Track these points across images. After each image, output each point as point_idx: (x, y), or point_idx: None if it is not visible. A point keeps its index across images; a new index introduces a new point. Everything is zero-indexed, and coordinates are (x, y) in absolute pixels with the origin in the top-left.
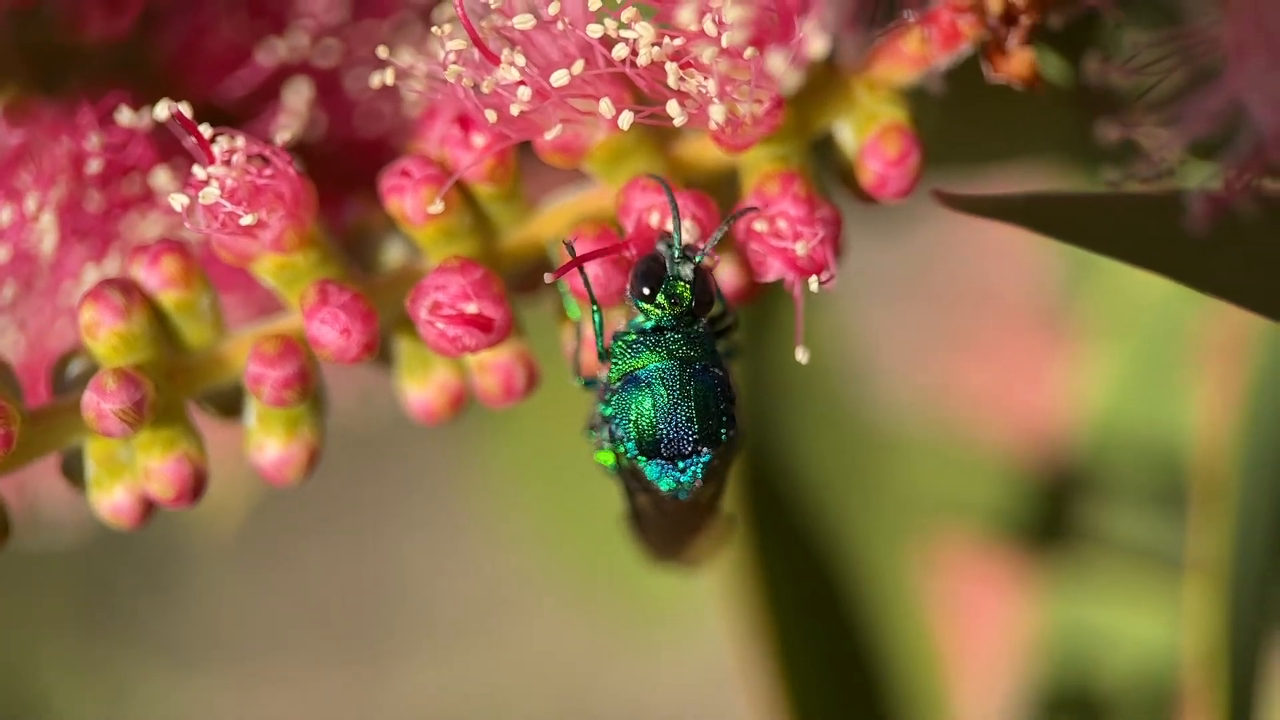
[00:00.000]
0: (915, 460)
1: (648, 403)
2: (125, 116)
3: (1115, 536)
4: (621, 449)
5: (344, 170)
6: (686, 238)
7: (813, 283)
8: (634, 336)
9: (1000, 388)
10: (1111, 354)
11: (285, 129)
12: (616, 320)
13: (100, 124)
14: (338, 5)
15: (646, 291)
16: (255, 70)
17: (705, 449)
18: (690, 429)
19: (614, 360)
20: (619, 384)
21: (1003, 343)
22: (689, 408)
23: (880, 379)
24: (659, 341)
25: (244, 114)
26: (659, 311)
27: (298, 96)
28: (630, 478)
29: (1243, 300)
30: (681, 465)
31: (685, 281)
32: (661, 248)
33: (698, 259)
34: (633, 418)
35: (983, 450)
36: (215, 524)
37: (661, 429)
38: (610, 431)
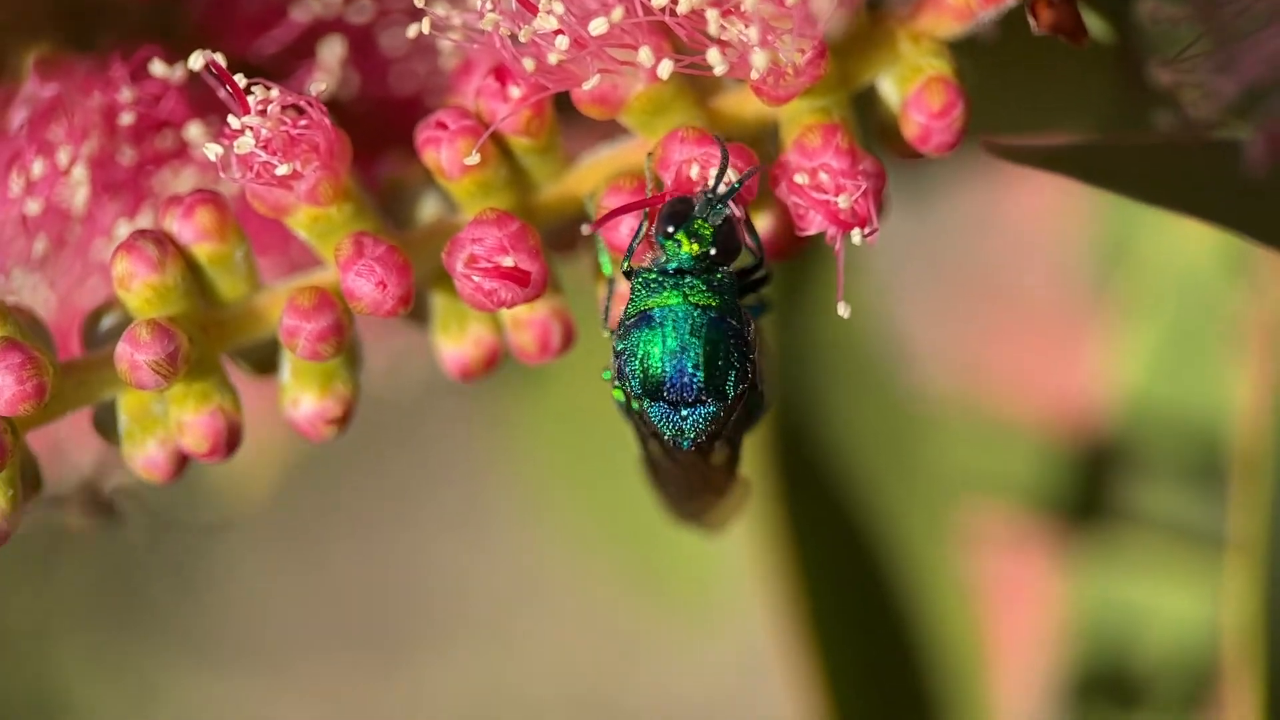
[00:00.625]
0: (952, 436)
1: (656, 342)
2: (159, 69)
3: (1152, 514)
4: (627, 387)
5: (378, 129)
6: (721, 186)
7: (855, 236)
8: (653, 274)
9: (1037, 364)
10: (1148, 331)
11: (321, 82)
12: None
13: (133, 78)
14: None
15: (670, 230)
16: (289, 27)
17: (709, 399)
18: (695, 376)
19: (631, 297)
20: (632, 321)
21: (1040, 319)
22: (696, 354)
23: (916, 354)
24: (677, 283)
25: (278, 72)
26: (680, 251)
27: (331, 53)
28: (639, 421)
29: None
30: (684, 413)
31: (709, 225)
32: (698, 193)
33: (725, 205)
34: (639, 355)
35: (1019, 427)
36: (245, 493)
37: (665, 371)
38: (619, 368)
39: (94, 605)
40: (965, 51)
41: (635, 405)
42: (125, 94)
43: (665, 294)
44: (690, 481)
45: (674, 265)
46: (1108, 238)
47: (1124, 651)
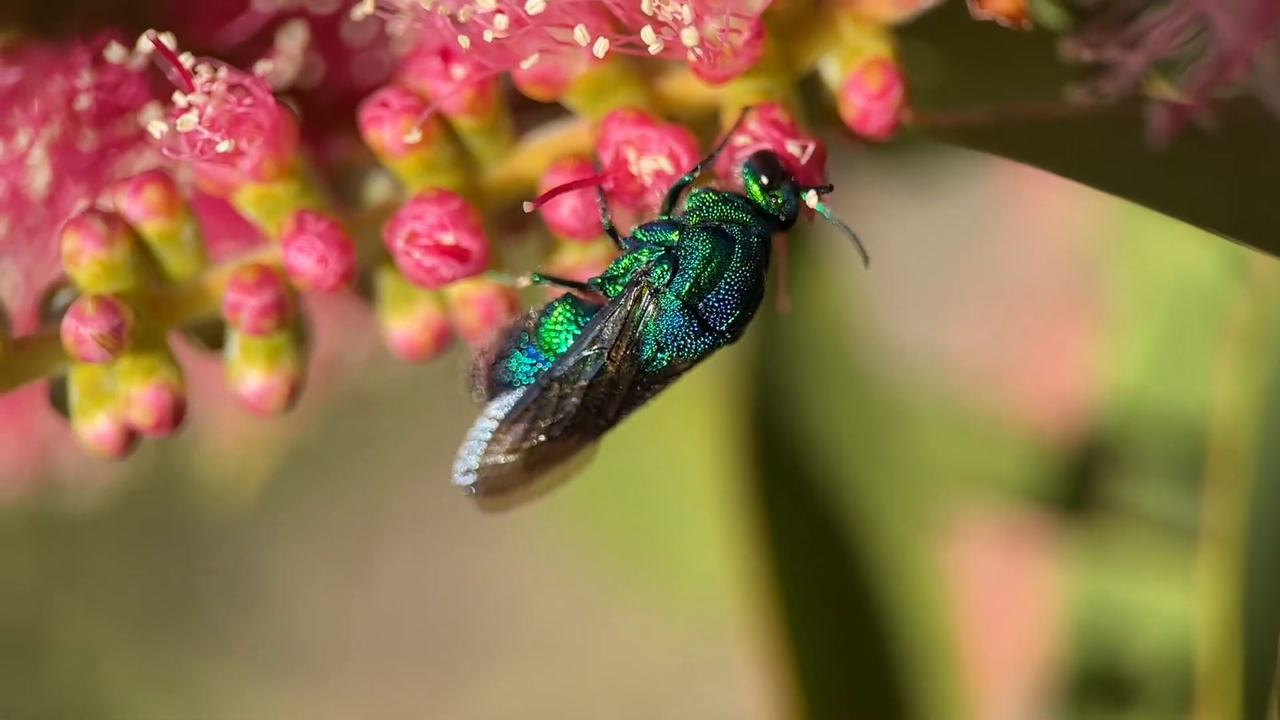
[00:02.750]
0: (936, 431)
1: (725, 252)
2: (115, 53)
3: (1141, 511)
4: (663, 279)
5: (341, 119)
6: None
7: (810, 198)
8: (736, 197)
9: (1026, 361)
10: (1142, 329)
11: (268, 63)
12: None
13: (93, 64)
14: None
15: (765, 180)
16: (253, 16)
17: (726, 332)
18: (737, 303)
19: (700, 202)
20: (697, 224)
21: (1030, 316)
22: (750, 284)
23: (904, 348)
24: (757, 218)
25: (242, 61)
26: (764, 199)
27: (292, 40)
28: (609, 323)
29: (1202, 220)
30: (697, 330)
31: (795, 197)
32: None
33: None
34: (704, 255)
35: (1006, 423)
36: (237, 489)
37: (723, 283)
38: (662, 258)
39: (146, 616)
40: (927, 33)
41: (639, 308)
42: (85, 78)
43: (740, 215)
44: (566, 435)
45: (750, 199)
46: (1105, 234)
47: (1115, 649)
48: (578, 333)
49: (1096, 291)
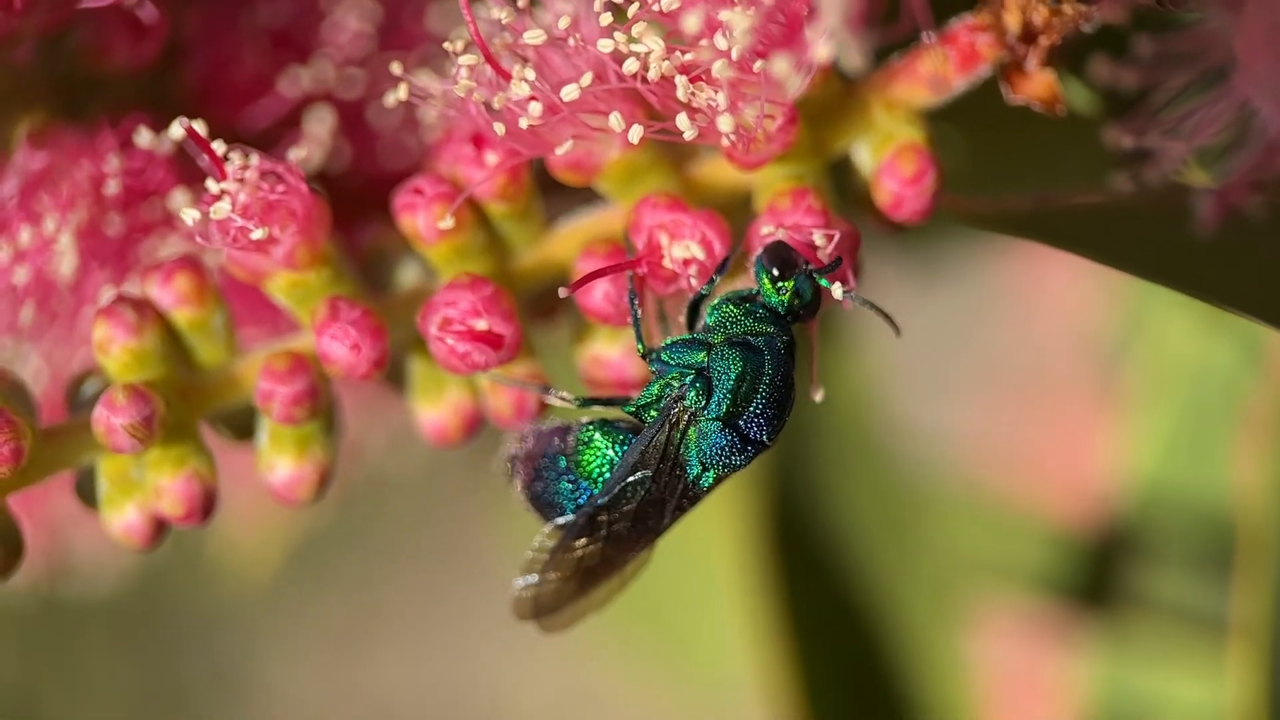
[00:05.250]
0: (956, 519)
1: (756, 365)
2: (144, 138)
3: (1165, 600)
4: (699, 402)
5: (368, 204)
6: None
7: (836, 291)
8: (758, 308)
9: (1046, 448)
10: (1161, 415)
11: (301, 149)
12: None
13: (120, 148)
14: (363, 37)
15: (776, 272)
16: (279, 100)
17: (767, 441)
18: (775, 412)
19: (723, 316)
20: (723, 341)
21: (1049, 403)
22: (783, 390)
23: (921, 434)
24: (779, 325)
25: (268, 144)
26: (782, 298)
27: (320, 124)
28: (650, 449)
29: (1251, 310)
30: (743, 446)
31: (815, 289)
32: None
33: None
34: (737, 374)
35: (1027, 511)
36: (250, 574)
37: (759, 397)
38: (694, 381)
39: (134, 702)
40: (958, 118)
41: (678, 432)
42: (112, 163)
43: (766, 326)
44: (619, 551)
45: (776, 305)
46: (1123, 320)
47: None
48: (616, 461)
49: (1112, 375)
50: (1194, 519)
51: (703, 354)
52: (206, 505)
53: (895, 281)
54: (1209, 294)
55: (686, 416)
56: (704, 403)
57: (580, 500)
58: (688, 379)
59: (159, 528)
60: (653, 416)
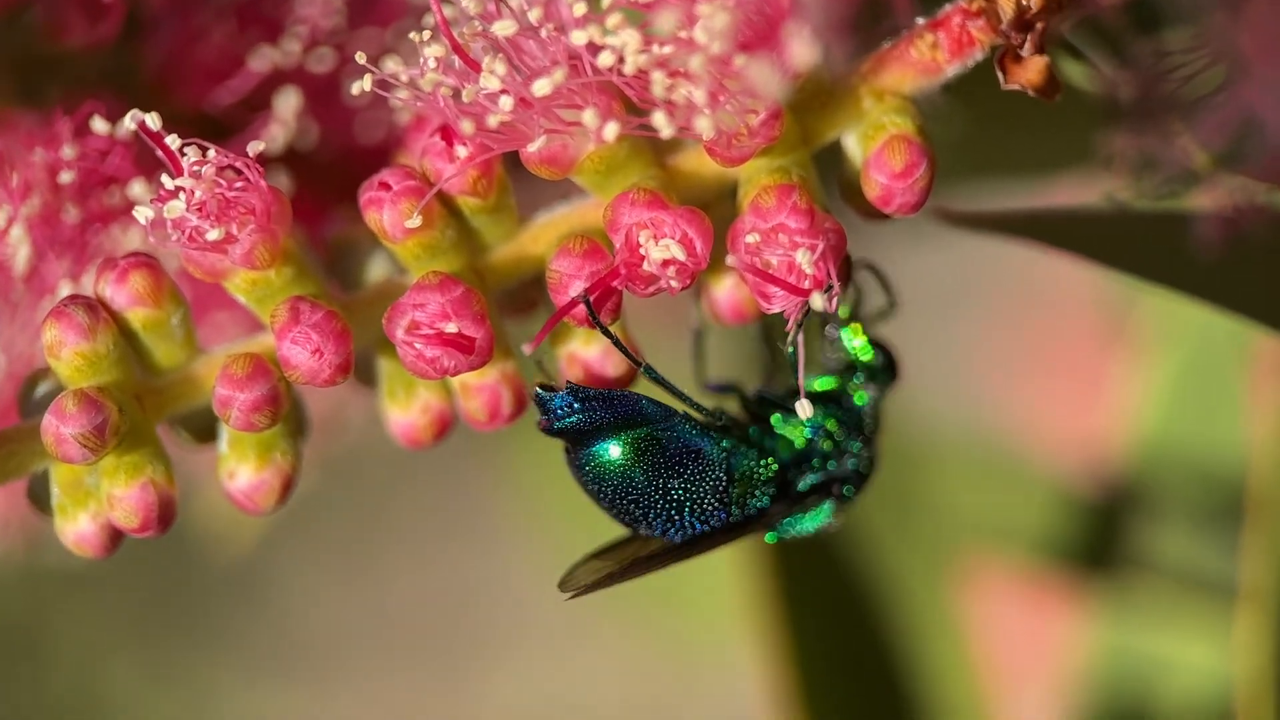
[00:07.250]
0: (957, 478)
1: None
2: (99, 125)
3: (1168, 560)
4: (850, 493)
5: (344, 179)
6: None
7: (817, 301)
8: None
9: (1050, 404)
10: (1165, 371)
11: (262, 141)
12: None
13: (78, 134)
14: (334, 12)
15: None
16: (247, 78)
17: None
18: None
19: (874, 416)
20: (873, 433)
21: (1053, 358)
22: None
23: (919, 390)
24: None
25: (237, 123)
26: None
27: (287, 104)
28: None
29: (1254, 316)
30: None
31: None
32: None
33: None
34: (874, 472)
35: (1029, 469)
36: (230, 544)
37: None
38: (856, 472)
39: (148, 618)
40: (958, 99)
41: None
42: (68, 150)
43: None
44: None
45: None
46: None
47: (1139, 703)
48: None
49: (1117, 328)
50: (1202, 475)
51: (859, 444)
52: (164, 515)
53: (893, 234)
54: (1210, 298)
55: (834, 498)
56: (852, 495)
57: (682, 518)
58: (851, 468)
59: (115, 537)
60: (807, 483)
